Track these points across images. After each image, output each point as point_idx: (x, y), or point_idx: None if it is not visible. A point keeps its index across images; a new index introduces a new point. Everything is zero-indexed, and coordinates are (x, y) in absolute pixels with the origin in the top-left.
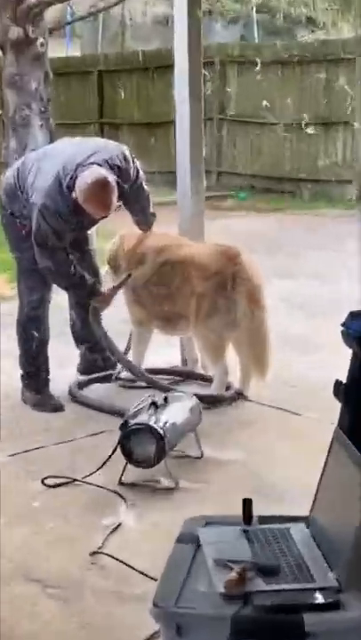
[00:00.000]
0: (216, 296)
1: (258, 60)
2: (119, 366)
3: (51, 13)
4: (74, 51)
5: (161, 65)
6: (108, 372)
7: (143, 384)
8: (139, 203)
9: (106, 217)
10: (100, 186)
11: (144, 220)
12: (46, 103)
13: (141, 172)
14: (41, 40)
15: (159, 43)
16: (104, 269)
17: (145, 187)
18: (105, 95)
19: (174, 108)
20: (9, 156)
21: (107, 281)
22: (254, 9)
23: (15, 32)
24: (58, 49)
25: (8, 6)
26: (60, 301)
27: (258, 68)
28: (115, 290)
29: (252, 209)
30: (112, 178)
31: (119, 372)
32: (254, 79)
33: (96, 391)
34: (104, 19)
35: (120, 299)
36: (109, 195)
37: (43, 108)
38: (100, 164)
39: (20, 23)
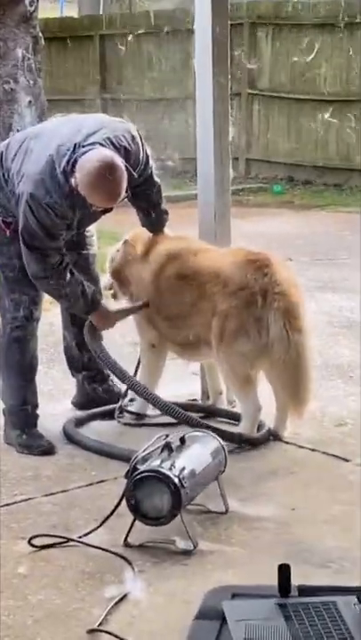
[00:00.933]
0: (243, 315)
1: (297, 23)
2: (124, 399)
3: None
4: (69, 10)
5: (177, 28)
6: (110, 407)
7: (152, 421)
8: (148, 197)
9: (111, 210)
10: (107, 169)
11: (155, 219)
12: (36, 75)
13: (152, 159)
14: None
15: (175, 1)
16: (105, 279)
17: (156, 177)
18: (108, 65)
19: (194, 80)
20: None
21: (111, 296)
22: None
23: None
24: (50, 8)
25: None
26: (51, 319)
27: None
28: (123, 314)
29: (289, 205)
30: (121, 160)
31: (125, 405)
32: (293, 45)
33: (96, 430)
34: None
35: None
36: (117, 180)
37: (32, 81)
38: (103, 144)
39: None
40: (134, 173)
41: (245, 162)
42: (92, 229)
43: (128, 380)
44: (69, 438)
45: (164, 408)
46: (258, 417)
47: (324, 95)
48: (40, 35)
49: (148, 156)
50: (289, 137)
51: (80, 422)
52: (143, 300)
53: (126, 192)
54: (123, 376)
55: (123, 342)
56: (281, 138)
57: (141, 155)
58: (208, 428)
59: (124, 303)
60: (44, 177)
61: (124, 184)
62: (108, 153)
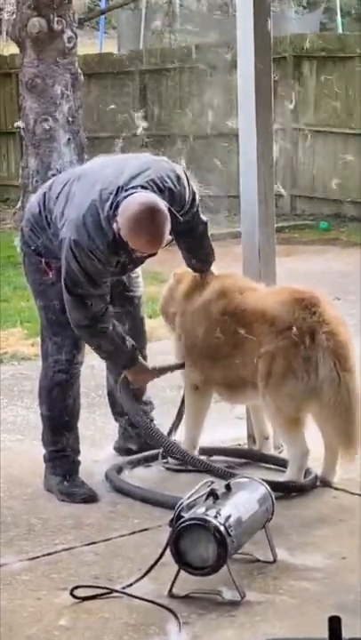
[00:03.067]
0: (290, 355)
1: (342, 55)
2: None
3: (80, 0)
4: (109, 46)
5: (219, 63)
6: (153, 452)
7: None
8: (194, 237)
9: (155, 254)
10: (149, 214)
11: (201, 258)
12: (75, 112)
13: (198, 198)
14: (68, 34)
15: (217, 35)
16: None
17: (202, 216)
18: (149, 101)
19: (237, 115)
20: (28, 177)
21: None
22: None
23: (36, 24)
24: (89, 44)
25: None
26: (92, 362)
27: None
28: (160, 372)
29: (335, 242)
30: (163, 204)
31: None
32: (338, 78)
33: (139, 476)
34: (147, 6)
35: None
36: (160, 225)
37: (70, 118)
38: (147, 187)
39: (43, 13)
40: (178, 216)
41: (290, 198)
42: (137, 270)
43: (162, 440)
44: (112, 485)
45: (201, 466)
46: (306, 461)
47: None
48: (79, 71)
49: (194, 195)
50: (335, 172)
51: (123, 468)
52: (177, 363)
53: (170, 235)
54: (156, 437)
55: (166, 385)
56: (327, 173)
57: (187, 195)
58: (231, 476)
59: (171, 340)
60: (87, 222)
61: (168, 228)
62: (151, 196)
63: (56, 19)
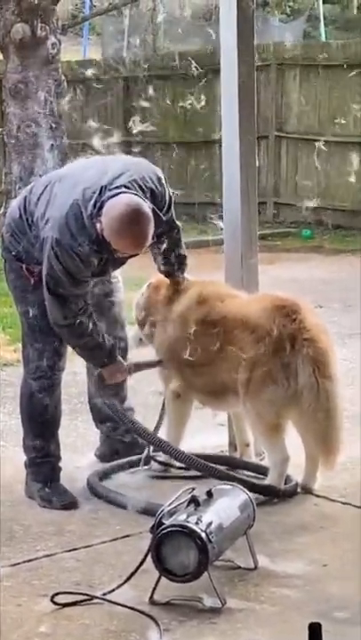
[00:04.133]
0: (271, 363)
1: (325, 64)
2: (150, 449)
3: (64, 7)
4: (93, 53)
5: (203, 69)
6: (134, 457)
7: (179, 473)
8: (169, 241)
9: (137, 255)
10: (134, 216)
11: (175, 264)
12: (58, 118)
13: (173, 202)
14: (52, 40)
15: (200, 43)
16: (132, 330)
17: (175, 221)
18: (131, 108)
19: (220, 123)
20: (11, 183)
21: (135, 343)
22: None
23: (20, 30)
24: (73, 51)
25: None
26: (75, 368)
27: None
28: (137, 368)
29: (318, 250)
30: (147, 205)
31: (153, 455)
32: (321, 87)
33: (121, 482)
34: (131, 14)
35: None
36: (144, 227)
37: (54, 124)
38: (130, 187)
39: (26, 18)
40: (162, 216)
41: (273, 206)
42: (118, 275)
43: (138, 429)
44: (93, 491)
45: (178, 456)
46: (286, 468)
47: (354, 138)
48: (63, 78)
49: (171, 200)
50: (318, 180)
51: (105, 475)
52: (155, 360)
53: (153, 237)
54: (143, 433)
55: (148, 391)
56: (309, 181)
57: (167, 196)
58: (234, 479)
59: (150, 348)
60: (70, 221)
61: (151, 230)
62: (135, 198)
63: (40, 25)
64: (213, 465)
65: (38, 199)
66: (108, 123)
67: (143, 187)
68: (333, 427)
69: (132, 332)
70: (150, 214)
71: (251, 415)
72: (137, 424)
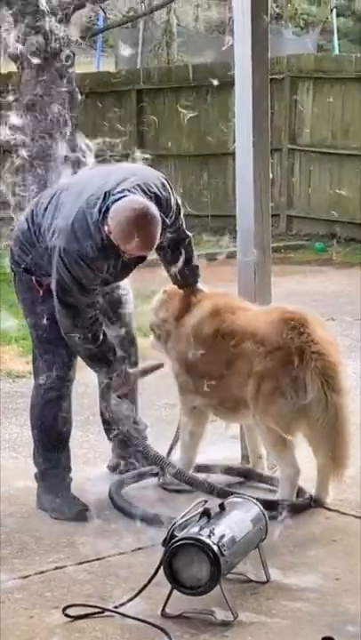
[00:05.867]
0: (279, 375)
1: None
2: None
3: (78, 19)
4: (106, 65)
5: (216, 83)
6: (147, 469)
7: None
8: (179, 250)
9: (144, 259)
10: (141, 217)
11: (187, 274)
12: (73, 130)
13: (182, 211)
14: (66, 52)
15: (214, 55)
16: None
17: (186, 230)
18: (145, 120)
19: (233, 135)
20: (25, 195)
21: (156, 349)
22: (334, 12)
23: (34, 42)
24: (86, 63)
25: (26, 10)
26: (86, 380)
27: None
28: (142, 374)
29: (331, 263)
30: (154, 206)
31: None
32: (334, 99)
33: (134, 495)
34: (145, 26)
35: (164, 376)
36: (152, 228)
37: (68, 136)
38: (133, 192)
39: (41, 31)
40: (167, 220)
41: (286, 218)
42: (128, 287)
43: (151, 455)
44: (114, 502)
45: (192, 483)
46: (297, 481)
47: None
48: (76, 90)
49: (179, 207)
50: (331, 193)
51: (119, 487)
52: (155, 363)
53: (160, 238)
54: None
55: (160, 404)
56: (323, 194)
57: (172, 202)
58: (226, 494)
59: (162, 355)
60: (76, 229)
61: (159, 231)
62: (142, 200)
63: (54, 37)
64: (226, 488)
65: (45, 210)
66: (122, 134)
67: (147, 191)
68: (342, 440)
69: (151, 337)
70: (158, 215)
71: (261, 428)
72: (149, 449)
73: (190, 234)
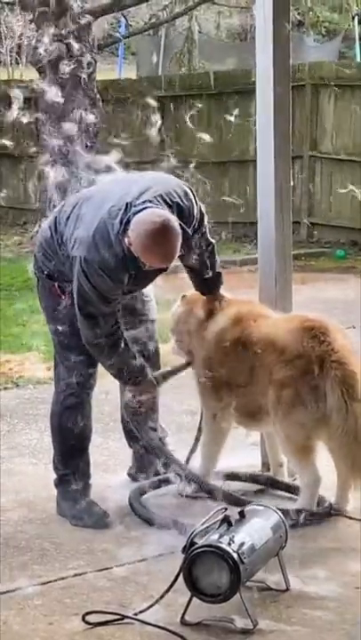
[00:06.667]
0: (299, 384)
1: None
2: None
3: (100, 26)
4: (128, 72)
5: (238, 90)
6: (166, 476)
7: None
8: (202, 257)
9: (166, 270)
10: (161, 230)
11: (210, 280)
12: (94, 136)
13: (206, 218)
14: (88, 59)
15: (235, 62)
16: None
17: (210, 237)
18: (167, 127)
19: (255, 142)
20: (46, 201)
21: (177, 355)
22: (356, 19)
23: (56, 48)
24: (108, 70)
25: (48, 17)
26: (107, 387)
27: None
28: (164, 379)
29: (352, 271)
30: (175, 219)
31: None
32: (356, 107)
33: (154, 502)
34: (166, 33)
35: (185, 383)
36: (172, 241)
37: (89, 143)
38: (155, 202)
39: (63, 38)
40: (188, 231)
41: (307, 226)
42: (151, 295)
43: (174, 463)
44: (132, 508)
45: (210, 491)
46: (317, 489)
47: None
48: (98, 97)
49: (203, 215)
50: (352, 200)
51: (139, 494)
52: (183, 363)
53: (181, 250)
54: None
55: (180, 410)
56: (344, 201)
57: (195, 211)
58: (242, 503)
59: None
60: (97, 240)
61: (179, 243)
62: (162, 213)
63: (76, 44)
64: (244, 497)
65: (67, 219)
66: (145, 141)
67: (169, 201)
68: None
69: (172, 342)
70: (178, 228)
71: (281, 437)
72: (172, 458)
73: (214, 240)
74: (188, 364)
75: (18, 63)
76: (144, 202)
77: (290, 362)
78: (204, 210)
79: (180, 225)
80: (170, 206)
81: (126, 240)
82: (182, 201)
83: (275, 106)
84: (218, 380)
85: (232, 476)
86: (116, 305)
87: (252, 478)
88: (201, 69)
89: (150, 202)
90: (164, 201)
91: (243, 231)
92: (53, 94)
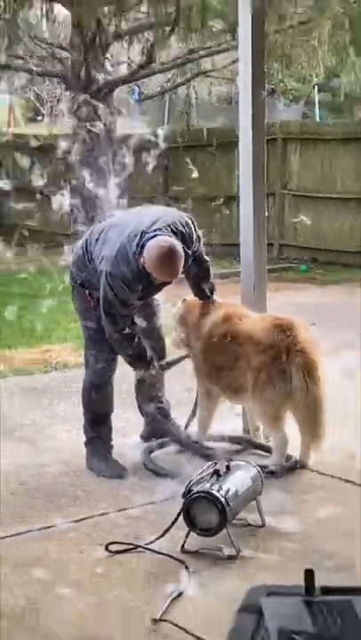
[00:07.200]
0: (271, 368)
1: (319, 138)
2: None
3: (120, 93)
4: (141, 128)
5: (225, 142)
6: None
7: (208, 453)
8: (199, 272)
9: (171, 282)
10: (169, 252)
11: (205, 290)
12: (117, 178)
13: (202, 241)
14: (110, 118)
15: (223, 120)
16: (172, 337)
17: (205, 256)
18: (170, 170)
19: (238, 182)
20: (78, 227)
21: (176, 347)
22: (316, 88)
23: (85, 110)
24: (125, 126)
25: (80, 85)
26: (125, 370)
27: (320, 143)
28: (168, 366)
29: (313, 281)
30: (179, 245)
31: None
32: (315, 155)
33: (159, 457)
34: (170, 98)
35: (183, 368)
36: (176, 261)
37: (113, 184)
38: (164, 230)
39: (91, 102)
40: (189, 252)
41: (278, 246)
42: (159, 299)
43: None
44: (145, 464)
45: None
46: (286, 449)
47: (341, 194)
48: (117, 147)
49: (199, 238)
50: (313, 226)
51: (149, 451)
52: (182, 355)
53: (183, 267)
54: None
55: (180, 389)
56: (307, 227)
57: (194, 237)
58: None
59: (181, 351)
60: (119, 258)
61: (182, 262)
62: (169, 239)
63: (101, 107)
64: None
65: (96, 241)
66: (154, 183)
67: (174, 230)
68: (319, 418)
69: (173, 336)
70: (181, 251)
71: (257, 410)
72: (175, 431)
73: (208, 259)
74: (187, 356)
75: (56, 121)
76: (155, 230)
77: (264, 351)
78: (200, 235)
79: (183, 248)
80: (175, 233)
81: (141, 259)
82: (184, 229)
83: (253, 154)
84: (210, 365)
85: (220, 439)
86: (132, 308)
87: (236, 440)
88: (197, 126)
89: (160, 230)
90: (171, 229)
91: (229, 251)
92: (85, 145)
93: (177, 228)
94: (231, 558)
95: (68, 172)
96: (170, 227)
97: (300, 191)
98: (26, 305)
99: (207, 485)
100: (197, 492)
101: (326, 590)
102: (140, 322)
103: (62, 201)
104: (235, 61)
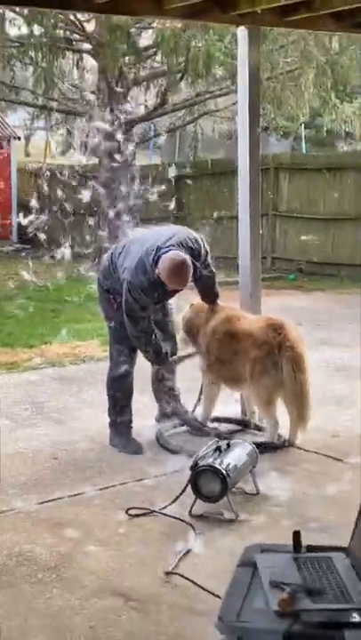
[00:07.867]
0: (265, 361)
1: (305, 168)
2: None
3: (138, 130)
4: (156, 159)
5: (226, 171)
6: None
7: (211, 432)
8: (207, 280)
9: (181, 290)
10: (180, 265)
11: (211, 296)
12: (133, 202)
13: (210, 255)
14: (130, 150)
15: (225, 153)
16: (179, 335)
17: (212, 267)
18: (180, 195)
19: (237, 205)
20: (100, 245)
21: (184, 345)
22: (303, 125)
23: (109, 146)
24: (142, 156)
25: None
26: (143, 364)
27: (307, 173)
28: (179, 360)
29: (299, 288)
30: (189, 258)
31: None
32: (302, 183)
33: (171, 436)
34: (180, 133)
35: (192, 362)
36: (186, 272)
37: (131, 206)
38: (176, 246)
39: (115, 138)
40: (197, 264)
41: (271, 259)
42: (171, 303)
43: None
44: (159, 442)
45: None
46: (277, 429)
47: (324, 215)
48: (137, 175)
49: (207, 253)
50: (300, 242)
51: (163, 432)
52: (189, 352)
53: (192, 277)
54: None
55: (189, 377)
56: (295, 243)
57: (202, 251)
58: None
59: (189, 347)
60: (138, 269)
61: (191, 273)
62: (180, 254)
63: (122, 141)
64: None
65: (119, 254)
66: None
67: (185, 246)
68: (306, 403)
69: (180, 335)
70: (190, 264)
71: (253, 395)
72: (183, 414)
73: (214, 270)
74: (195, 353)
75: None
76: (168, 246)
77: (259, 347)
78: (208, 249)
79: (192, 261)
80: (185, 249)
81: (157, 270)
82: (193, 245)
83: (250, 181)
84: (214, 359)
85: (222, 420)
86: (149, 312)
87: (235, 421)
88: (203, 157)
89: (173, 246)
90: (182, 245)
91: (230, 263)
92: (107, 174)
93: (187, 244)
94: (231, 521)
95: (95, 196)
96: (181, 243)
97: (289, 212)
98: (59, 308)
99: (211, 460)
100: (203, 466)
101: (311, 548)
102: (156, 321)
103: (90, 221)
104: (234, 103)
